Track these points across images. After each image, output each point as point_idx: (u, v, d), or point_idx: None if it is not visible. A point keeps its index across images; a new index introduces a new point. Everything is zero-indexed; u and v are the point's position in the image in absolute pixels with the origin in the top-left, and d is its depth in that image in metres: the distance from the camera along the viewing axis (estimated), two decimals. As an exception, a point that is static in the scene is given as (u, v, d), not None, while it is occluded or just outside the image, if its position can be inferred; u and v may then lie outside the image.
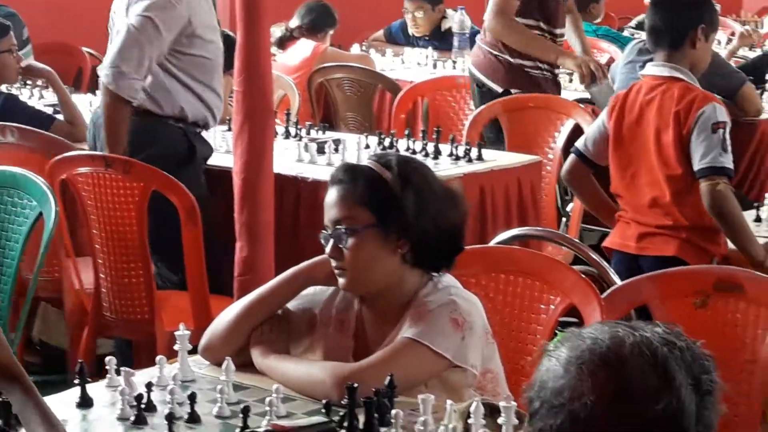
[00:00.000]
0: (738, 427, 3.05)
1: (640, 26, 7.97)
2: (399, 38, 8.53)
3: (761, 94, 6.54)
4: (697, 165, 4.12)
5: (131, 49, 4.68)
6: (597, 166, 4.48)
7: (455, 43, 8.00)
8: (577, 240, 4.30)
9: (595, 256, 3.74)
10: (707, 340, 3.09)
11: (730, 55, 7.63)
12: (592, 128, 4.54)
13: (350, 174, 2.91)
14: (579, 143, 4.52)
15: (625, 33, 8.44)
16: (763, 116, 6.28)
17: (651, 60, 4.40)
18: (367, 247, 2.87)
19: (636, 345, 1.52)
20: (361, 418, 2.57)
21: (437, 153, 5.26)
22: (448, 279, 2.98)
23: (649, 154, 4.25)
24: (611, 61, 7.10)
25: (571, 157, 4.53)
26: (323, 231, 2.91)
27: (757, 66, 7.17)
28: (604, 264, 3.70)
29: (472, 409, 2.52)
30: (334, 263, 2.90)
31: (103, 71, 4.73)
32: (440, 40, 8.25)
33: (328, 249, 2.89)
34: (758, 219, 4.38)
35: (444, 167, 5.05)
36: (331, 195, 2.90)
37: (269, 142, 4.11)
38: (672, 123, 4.17)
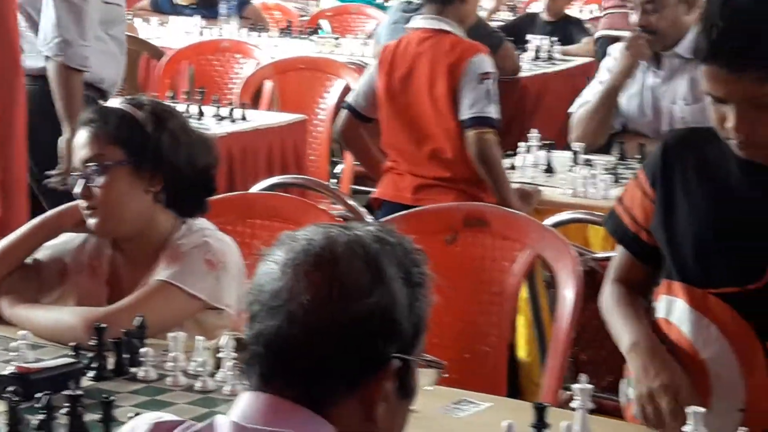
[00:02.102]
0: (489, 356, 3.14)
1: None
2: (165, 7, 8.43)
3: (520, 54, 6.73)
4: (463, 114, 4.18)
5: (68, 15, 4.43)
6: (369, 119, 4.52)
7: (222, 10, 7.96)
8: (332, 185, 4.35)
9: (352, 203, 3.80)
10: (458, 274, 3.24)
11: (489, 15, 7.83)
12: (362, 82, 4.56)
13: (101, 114, 2.90)
14: (350, 98, 4.54)
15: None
16: (521, 74, 6.48)
17: (413, 16, 4.45)
18: (118, 184, 2.85)
19: (348, 243, 1.55)
20: (112, 360, 2.57)
21: (201, 114, 5.25)
22: (201, 222, 2.99)
23: (424, 106, 4.30)
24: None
25: (343, 112, 4.54)
26: (71, 174, 2.88)
27: (518, 27, 7.37)
28: (360, 208, 3.76)
29: (221, 343, 2.54)
30: (84, 204, 2.87)
31: (46, 46, 4.42)
32: (207, 8, 8.19)
33: (78, 189, 2.86)
34: (512, 167, 4.51)
35: (207, 127, 5.03)
36: (82, 135, 2.88)
37: (19, 99, 4.00)
38: (445, 75, 4.22)
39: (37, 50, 4.47)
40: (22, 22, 4.45)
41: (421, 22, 4.37)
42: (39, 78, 4.45)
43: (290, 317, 1.52)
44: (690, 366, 2.42)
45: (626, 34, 4.67)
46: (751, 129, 2.28)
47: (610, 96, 4.56)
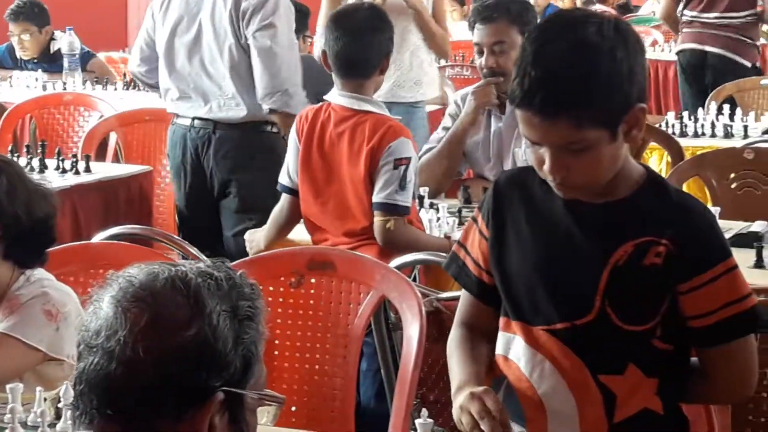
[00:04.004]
0: (336, 398, 3.15)
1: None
2: (6, 62, 8.29)
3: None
4: (374, 197, 4.13)
5: (281, 66, 4.82)
6: None
7: (65, 64, 7.87)
8: (174, 236, 4.31)
9: (193, 251, 3.78)
10: (305, 317, 3.24)
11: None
12: (289, 160, 4.29)
13: None
14: (283, 179, 4.29)
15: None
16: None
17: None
18: None
19: (169, 279, 1.56)
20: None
21: (43, 167, 5.18)
22: (40, 272, 2.96)
23: (342, 186, 4.16)
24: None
25: (283, 197, 4.29)
26: None
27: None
28: (201, 255, 3.74)
29: (61, 393, 2.50)
30: None
31: (268, 99, 4.85)
32: (50, 62, 8.09)
33: None
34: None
35: (50, 181, 4.96)
36: None
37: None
38: (364, 160, 4.09)
39: None
40: None
41: (340, 98, 4.18)
42: None
43: (109, 354, 1.53)
44: (528, 401, 2.45)
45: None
46: (566, 172, 2.33)
47: (454, 143, 4.61)
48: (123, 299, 1.55)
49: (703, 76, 7.65)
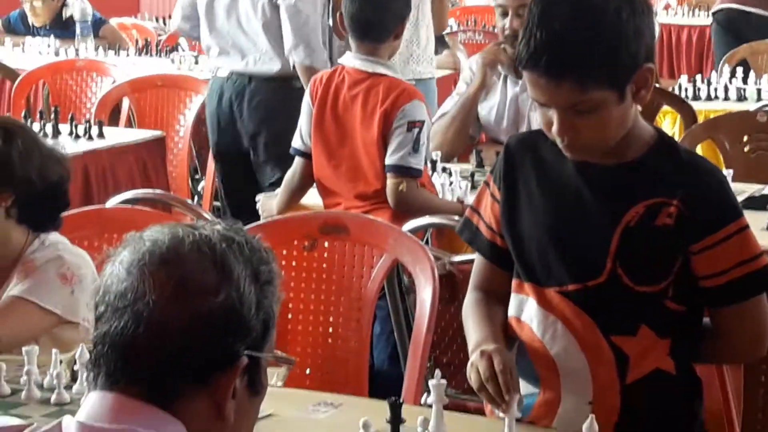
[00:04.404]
0: (350, 362, 3.16)
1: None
2: (18, 28, 8.31)
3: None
4: (387, 159, 4.13)
5: (305, 22, 5.03)
6: None
7: (77, 30, 7.87)
8: (187, 200, 4.33)
9: (207, 215, 3.79)
10: (318, 281, 3.25)
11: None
12: (302, 122, 4.31)
13: None
14: (296, 142, 4.30)
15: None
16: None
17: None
18: None
19: (195, 243, 1.55)
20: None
21: (56, 132, 5.20)
22: (55, 236, 2.97)
23: (355, 149, 4.18)
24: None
25: (296, 160, 4.31)
26: None
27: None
28: (215, 220, 3.74)
29: (77, 355, 2.52)
30: None
31: (293, 52, 5.07)
32: (62, 28, 8.10)
33: None
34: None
35: (63, 145, 4.96)
36: None
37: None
38: (378, 122, 4.10)
39: None
40: None
41: (354, 61, 4.18)
42: None
43: (136, 317, 1.51)
44: (541, 362, 2.46)
45: None
46: (574, 133, 2.33)
47: (466, 107, 4.62)
48: (150, 262, 1.53)
49: (743, 37, 7.54)
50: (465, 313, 2.58)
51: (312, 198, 4.33)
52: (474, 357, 2.36)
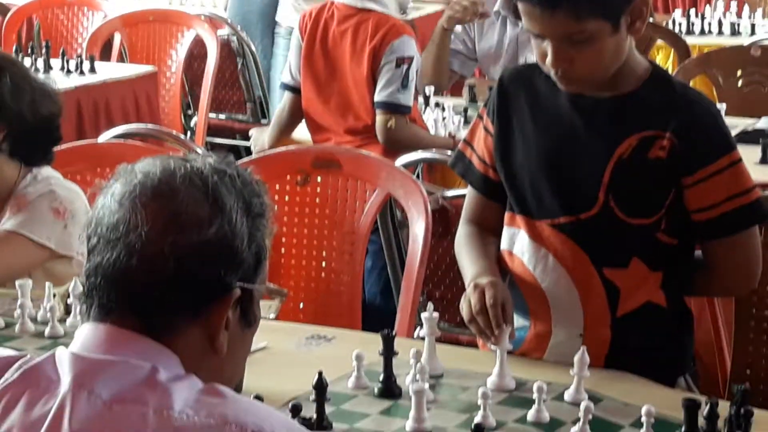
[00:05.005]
0: (342, 296, 3.17)
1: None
2: (9, -38, 8.25)
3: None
4: (376, 95, 4.12)
5: None
6: None
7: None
8: (181, 134, 4.32)
9: (199, 150, 3.79)
10: (311, 215, 3.25)
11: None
12: (292, 57, 4.31)
13: None
14: (285, 77, 4.32)
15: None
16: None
17: None
18: None
19: (187, 175, 1.55)
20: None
21: (47, 67, 5.18)
22: (47, 171, 2.97)
23: (345, 84, 4.18)
24: None
25: (285, 95, 4.33)
26: None
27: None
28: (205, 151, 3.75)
29: (71, 288, 2.52)
30: None
31: None
32: (52, -37, 8.03)
33: None
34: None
35: (55, 80, 4.94)
36: None
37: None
38: (367, 59, 4.11)
39: None
40: None
41: None
42: None
43: (128, 248, 1.51)
44: (532, 295, 2.47)
45: None
46: (568, 64, 2.33)
47: (442, 34, 4.64)
48: (141, 194, 1.53)
49: None
50: (458, 247, 2.59)
51: (304, 133, 4.32)
52: (468, 290, 2.37)
